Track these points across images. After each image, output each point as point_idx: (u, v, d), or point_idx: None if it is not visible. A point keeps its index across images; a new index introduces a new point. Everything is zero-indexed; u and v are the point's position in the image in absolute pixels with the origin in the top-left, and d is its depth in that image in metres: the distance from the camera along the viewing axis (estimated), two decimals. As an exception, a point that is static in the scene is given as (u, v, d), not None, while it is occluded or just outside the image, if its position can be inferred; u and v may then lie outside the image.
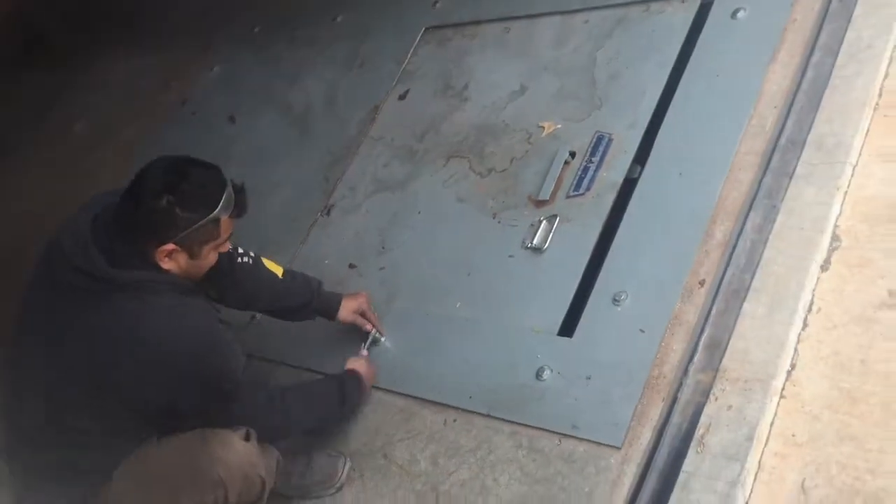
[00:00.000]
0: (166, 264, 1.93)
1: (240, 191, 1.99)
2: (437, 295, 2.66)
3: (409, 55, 3.42)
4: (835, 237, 2.06)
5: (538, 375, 2.27)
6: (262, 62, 4.00)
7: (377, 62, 3.51)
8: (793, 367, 1.95)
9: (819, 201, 2.11)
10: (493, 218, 2.72)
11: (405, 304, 2.71)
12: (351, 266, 2.90)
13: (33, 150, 4.51)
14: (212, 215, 1.92)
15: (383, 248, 2.91)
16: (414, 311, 2.67)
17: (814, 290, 2.02)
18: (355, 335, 2.58)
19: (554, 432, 2.18)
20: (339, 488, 2.36)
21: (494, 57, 3.14)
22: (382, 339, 2.58)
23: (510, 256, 2.59)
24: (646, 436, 2.04)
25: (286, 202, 3.32)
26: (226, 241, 2.04)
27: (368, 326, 2.54)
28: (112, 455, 2.01)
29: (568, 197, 2.60)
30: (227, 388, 2.03)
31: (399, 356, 2.59)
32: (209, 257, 2.02)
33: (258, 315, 2.81)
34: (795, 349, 1.96)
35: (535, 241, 2.53)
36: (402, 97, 3.33)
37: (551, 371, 2.26)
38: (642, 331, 2.19)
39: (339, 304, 2.49)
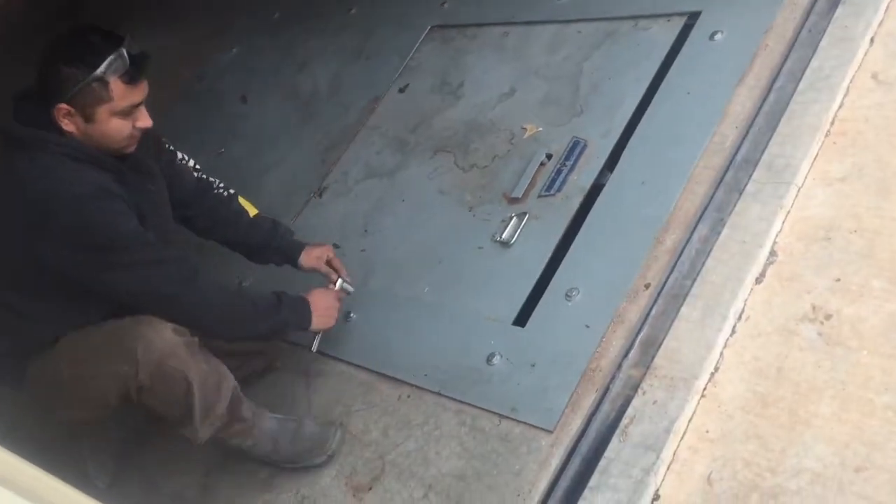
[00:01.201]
0: (66, 126, 1.99)
1: (138, 57, 1.98)
2: (408, 278, 2.81)
3: (413, 51, 3.57)
4: (772, 252, 2.19)
5: (488, 360, 2.41)
6: (277, 47, 4.17)
7: (383, 55, 3.66)
8: (716, 369, 2.07)
9: (762, 217, 2.24)
10: (469, 211, 2.86)
11: (379, 285, 2.86)
12: (335, 245, 3.04)
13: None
14: (95, 73, 1.94)
15: (366, 231, 3.06)
16: (386, 291, 2.83)
17: (746, 300, 2.14)
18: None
19: (495, 413, 2.32)
20: (331, 456, 2.40)
21: (491, 59, 3.28)
22: (351, 290, 2.61)
23: (479, 248, 2.73)
24: (576, 422, 2.17)
25: (284, 180, 3.49)
26: (130, 112, 2.02)
27: (333, 276, 2.58)
28: (38, 335, 2.17)
29: (539, 196, 2.73)
30: (108, 245, 2.03)
31: (367, 332, 2.74)
32: (110, 123, 2.01)
33: (245, 283, 2.99)
34: (721, 353, 2.09)
35: (503, 236, 2.67)
36: (401, 90, 3.48)
37: (501, 357, 2.41)
38: (587, 326, 2.32)
39: (301, 249, 2.57)
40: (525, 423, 2.25)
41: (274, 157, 3.61)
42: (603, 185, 2.65)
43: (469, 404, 2.38)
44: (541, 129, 2.92)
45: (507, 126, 3.03)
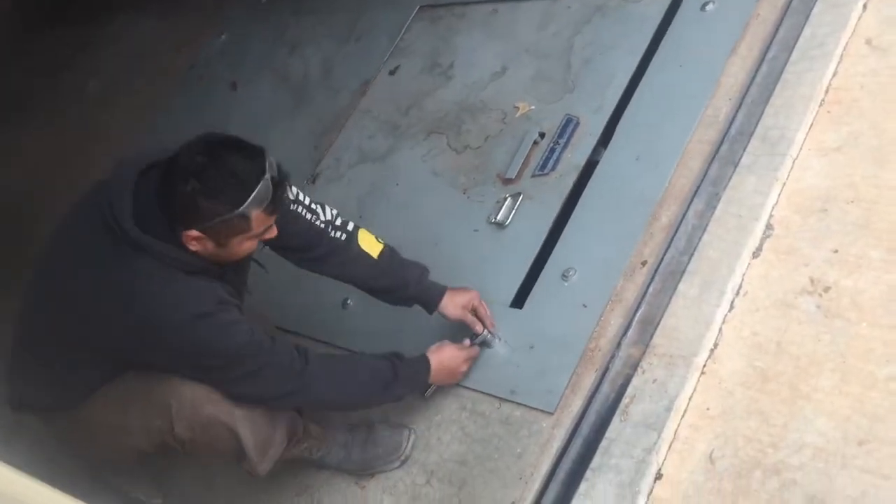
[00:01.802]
0: (193, 247, 1.82)
1: (279, 184, 1.81)
2: (405, 263, 2.78)
3: (402, 32, 3.53)
4: (768, 226, 2.16)
5: (487, 344, 2.39)
6: (267, 31, 4.13)
7: (372, 36, 3.62)
8: (716, 345, 2.06)
9: (758, 191, 2.21)
10: (464, 193, 2.84)
11: (375, 271, 2.83)
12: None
13: (47, 105, 4.67)
14: (239, 211, 1.75)
15: (360, 216, 3.03)
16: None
17: (743, 275, 2.12)
18: (465, 333, 2.34)
19: (495, 396, 2.31)
20: (405, 461, 2.29)
21: (480, 38, 3.25)
22: (496, 342, 2.32)
23: (475, 231, 2.71)
24: (577, 403, 2.16)
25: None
26: (263, 233, 1.88)
27: (478, 327, 2.28)
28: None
29: (533, 176, 2.71)
30: (223, 364, 1.92)
31: (364, 318, 2.73)
32: (242, 247, 1.88)
33: (350, 301, 2.77)
34: (720, 329, 2.07)
35: (498, 217, 2.65)
36: (392, 72, 3.45)
37: (500, 339, 2.39)
38: (585, 306, 2.31)
39: (440, 295, 2.29)
40: (525, 405, 2.24)
41: (265, 145, 3.50)
42: (597, 163, 2.63)
43: (468, 388, 2.37)
44: (533, 107, 2.89)
45: (499, 105, 2.99)
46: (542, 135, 2.77)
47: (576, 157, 2.66)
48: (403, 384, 2.14)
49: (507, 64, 3.09)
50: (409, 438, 2.35)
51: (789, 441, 1.84)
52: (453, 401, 2.37)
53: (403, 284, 2.29)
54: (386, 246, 2.35)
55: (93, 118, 4.53)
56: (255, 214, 1.79)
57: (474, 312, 2.33)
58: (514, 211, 2.64)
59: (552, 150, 2.71)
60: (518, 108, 2.92)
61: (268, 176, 1.77)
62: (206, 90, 4.14)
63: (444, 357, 2.21)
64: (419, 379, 2.19)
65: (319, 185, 3.27)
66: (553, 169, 2.67)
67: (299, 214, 2.22)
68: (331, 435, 2.33)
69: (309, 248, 2.26)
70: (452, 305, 2.29)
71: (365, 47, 3.63)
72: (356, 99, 3.45)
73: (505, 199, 2.68)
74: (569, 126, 2.73)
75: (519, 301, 2.46)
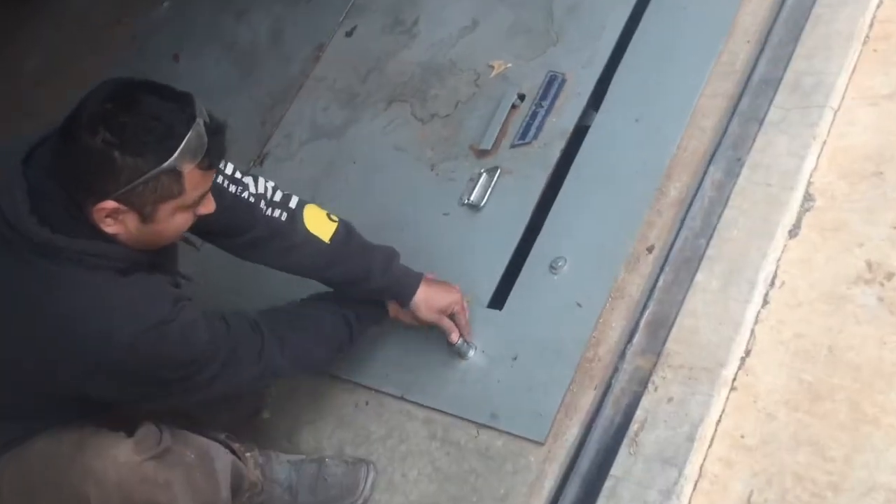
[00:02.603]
0: (109, 227, 1.42)
1: (216, 130, 1.45)
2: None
3: (359, -13, 3.06)
4: (807, 196, 1.72)
5: (461, 353, 1.94)
6: (211, -3, 3.65)
7: (324, -5, 3.15)
8: (748, 352, 1.61)
9: (791, 153, 1.77)
10: (431, 170, 2.38)
11: (331, 266, 2.38)
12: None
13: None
14: (167, 164, 1.37)
15: (314, 200, 2.57)
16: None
17: (778, 260, 1.68)
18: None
19: (472, 422, 1.87)
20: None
21: (447, -12, 2.77)
22: (470, 353, 1.92)
23: (445, 214, 2.26)
24: (573, 430, 1.72)
25: (222, 150, 2.99)
26: (198, 201, 1.49)
27: (454, 335, 1.89)
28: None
29: (512, 146, 2.25)
30: (180, 376, 1.55)
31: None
32: (173, 221, 1.47)
33: None
34: (752, 331, 1.63)
35: (472, 198, 2.20)
36: (349, 34, 2.98)
37: (475, 349, 1.94)
38: (579, 304, 1.86)
39: (415, 286, 1.86)
40: (509, 433, 1.80)
41: (208, 124, 3.10)
42: (588, 128, 2.16)
43: (439, 411, 1.92)
44: (510, 65, 2.43)
45: (470, 65, 2.54)
46: (521, 97, 2.31)
47: (562, 121, 2.20)
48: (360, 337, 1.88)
49: (478, 17, 2.62)
50: (367, 476, 1.91)
51: (855, 481, 1.40)
52: (421, 426, 1.93)
53: (365, 274, 1.83)
54: (341, 224, 1.86)
55: (28, 97, 4.10)
56: (189, 171, 1.40)
57: (452, 317, 1.90)
58: (490, 189, 2.19)
59: (534, 115, 2.25)
60: (493, 66, 2.47)
61: (200, 121, 1.40)
62: (147, 63, 3.67)
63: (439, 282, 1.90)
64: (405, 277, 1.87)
65: (268, 166, 2.81)
66: (535, 137, 2.22)
67: (221, 187, 1.74)
68: (270, 476, 1.87)
69: (239, 229, 1.78)
70: (427, 307, 1.86)
71: (318, 8, 3.16)
72: (309, 66, 2.99)
73: (479, 175, 2.22)
74: (553, 85, 2.27)
75: (498, 300, 2.01)
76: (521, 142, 2.24)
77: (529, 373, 1.84)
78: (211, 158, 1.44)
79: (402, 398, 1.99)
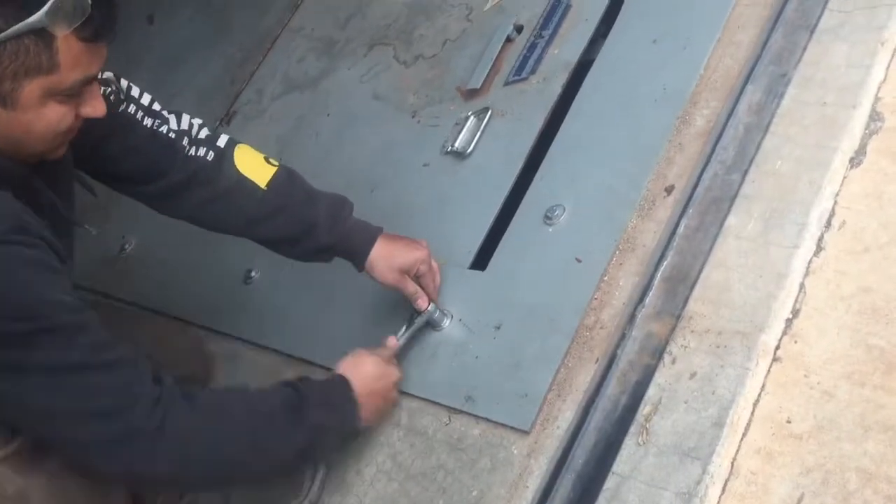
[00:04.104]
0: None
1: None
2: (331, 218, 1.96)
3: (344, -75, 2.70)
4: (874, 115, 1.32)
5: (434, 324, 1.56)
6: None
7: (308, -61, 2.80)
8: (795, 313, 1.21)
9: (852, 63, 1.37)
10: (413, 117, 2.02)
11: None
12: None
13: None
14: (32, 20, 1.07)
15: (280, 160, 2.21)
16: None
17: (836, 195, 1.28)
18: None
19: (443, 406, 1.49)
20: None
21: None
22: (445, 324, 1.56)
23: (425, 165, 1.89)
24: (566, 415, 1.33)
25: (185, 109, 2.61)
26: (83, 92, 1.17)
27: (422, 301, 1.53)
28: None
29: (506, 84, 1.88)
30: (15, 329, 1.09)
31: (273, 299, 1.92)
32: (44, 112, 1.14)
33: (255, 273, 1.96)
34: (801, 285, 1.23)
35: (457, 144, 1.83)
36: (331, -23, 2.62)
37: (451, 318, 1.55)
38: (578, 260, 1.48)
39: (370, 243, 1.52)
40: (487, 419, 1.42)
41: (178, 84, 2.79)
42: (596, 59, 1.78)
43: (405, 393, 1.54)
44: (507, -6, 2.05)
45: (462, 0, 2.16)
46: (518, 29, 1.95)
47: (565, 52, 1.83)
48: (317, 411, 1.32)
49: (473, -55, 2.24)
50: (314, 475, 1.53)
51: (948, 480, 0.98)
52: (382, 413, 1.54)
53: (309, 227, 1.49)
54: (282, 168, 1.52)
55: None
56: (65, 39, 1.09)
57: (418, 279, 1.53)
58: (479, 133, 1.82)
59: (532, 47, 1.88)
60: (487, -2, 2.09)
61: None
62: (122, 26, 3.34)
63: (355, 367, 1.42)
64: (340, 402, 1.38)
65: (235, 125, 2.47)
66: (533, 72, 1.84)
67: (133, 119, 1.40)
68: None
69: (155, 172, 1.43)
70: (386, 266, 1.51)
71: (299, -48, 2.80)
72: (285, 16, 2.65)
73: (467, 118, 1.86)
74: (556, 12, 1.90)
75: (482, 260, 1.62)
76: (516, 78, 1.87)
77: (515, 345, 1.46)
78: (95, 28, 1.12)
79: (362, 380, 1.60)
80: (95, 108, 1.19)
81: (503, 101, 1.86)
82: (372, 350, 1.47)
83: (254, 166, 1.49)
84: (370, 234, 1.52)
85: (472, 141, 1.83)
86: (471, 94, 1.93)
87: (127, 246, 2.34)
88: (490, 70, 1.92)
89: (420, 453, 1.46)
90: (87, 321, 1.14)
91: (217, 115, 2.54)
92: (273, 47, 2.61)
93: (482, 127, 1.83)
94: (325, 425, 1.33)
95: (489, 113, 1.85)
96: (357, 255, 1.52)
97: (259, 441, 1.27)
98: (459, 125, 1.87)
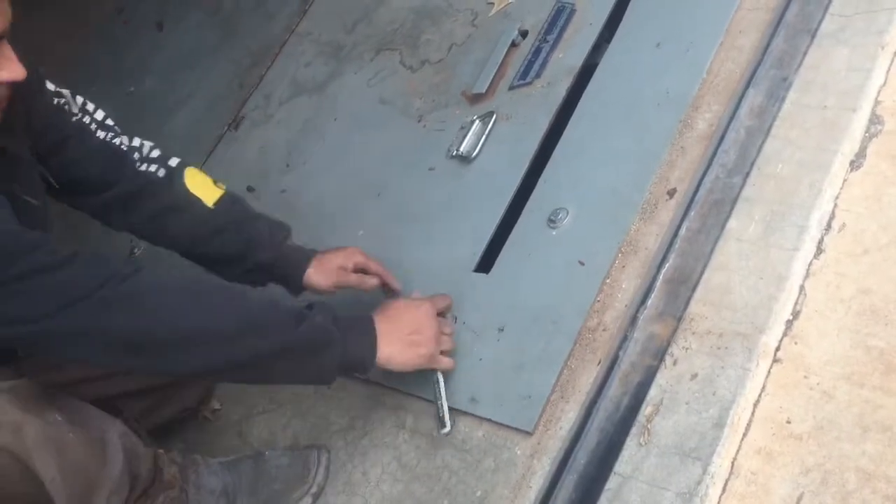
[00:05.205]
0: None
1: None
2: (338, 222, 2.01)
3: (353, -67, 2.72)
4: (874, 118, 1.33)
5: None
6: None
7: (316, -54, 2.82)
8: (796, 314, 1.22)
9: (853, 67, 1.38)
10: (419, 122, 2.03)
11: (300, 236, 2.01)
12: (249, 189, 2.25)
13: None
14: None
15: (288, 165, 2.25)
16: (309, 243, 1.99)
17: (836, 198, 1.29)
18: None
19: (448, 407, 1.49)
20: (317, 495, 1.53)
21: (447, -76, 2.42)
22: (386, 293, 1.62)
23: (430, 170, 1.90)
24: (569, 416, 1.34)
25: (195, 115, 2.71)
26: None
27: (372, 281, 1.58)
28: None
29: (511, 88, 1.89)
30: None
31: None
32: None
33: None
34: (802, 287, 1.24)
35: (462, 148, 1.84)
36: (339, -17, 2.65)
37: (455, 320, 1.57)
38: (581, 262, 1.49)
39: (306, 262, 1.56)
40: (490, 420, 1.44)
41: (186, 89, 2.82)
42: (599, 63, 1.79)
43: (410, 395, 1.56)
44: (512, 0, 2.06)
45: (467, 5, 2.20)
46: (523, 34, 1.96)
47: (570, 57, 1.84)
48: (323, 318, 1.27)
49: (479, -48, 2.26)
50: (318, 460, 1.56)
51: (946, 480, 0.99)
52: (387, 415, 1.57)
53: (250, 247, 1.53)
54: (228, 192, 1.57)
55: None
56: None
57: (361, 271, 1.59)
58: (484, 137, 1.83)
59: (537, 52, 1.89)
60: (493, 3, 2.11)
61: None
62: (131, 35, 3.40)
63: (393, 310, 1.38)
64: (351, 325, 1.31)
65: (243, 130, 2.49)
66: (538, 76, 1.85)
67: (87, 128, 1.45)
68: (198, 480, 1.51)
69: (105, 181, 1.47)
70: (323, 271, 1.55)
71: (309, -41, 2.82)
72: (294, 21, 2.67)
73: (472, 122, 1.87)
74: (561, 16, 1.91)
75: (486, 263, 1.64)
76: (520, 82, 1.89)
77: (518, 347, 1.47)
78: None
79: (368, 381, 1.63)
80: (11, 70, 1.15)
81: (508, 105, 1.87)
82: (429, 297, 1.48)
83: (202, 186, 1.54)
84: (305, 255, 1.57)
85: (477, 145, 1.84)
86: (476, 98, 1.95)
87: (136, 249, 2.36)
88: (495, 74, 1.94)
89: (425, 455, 1.47)
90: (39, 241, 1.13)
91: (225, 120, 2.57)
92: (281, 52, 2.63)
93: (487, 131, 1.85)
94: (331, 338, 1.26)
95: (494, 117, 1.86)
96: (294, 274, 1.56)
97: (249, 316, 1.21)
98: (465, 129, 1.89)
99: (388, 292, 1.61)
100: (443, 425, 1.44)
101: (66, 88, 1.44)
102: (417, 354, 1.38)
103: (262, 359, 1.21)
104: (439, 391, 1.45)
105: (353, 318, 1.32)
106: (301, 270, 1.54)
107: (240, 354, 1.19)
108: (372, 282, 1.57)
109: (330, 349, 1.26)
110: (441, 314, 1.48)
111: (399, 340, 1.34)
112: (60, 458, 1.25)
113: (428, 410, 1.53)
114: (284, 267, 1.55)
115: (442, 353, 1.43)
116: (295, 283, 1.55)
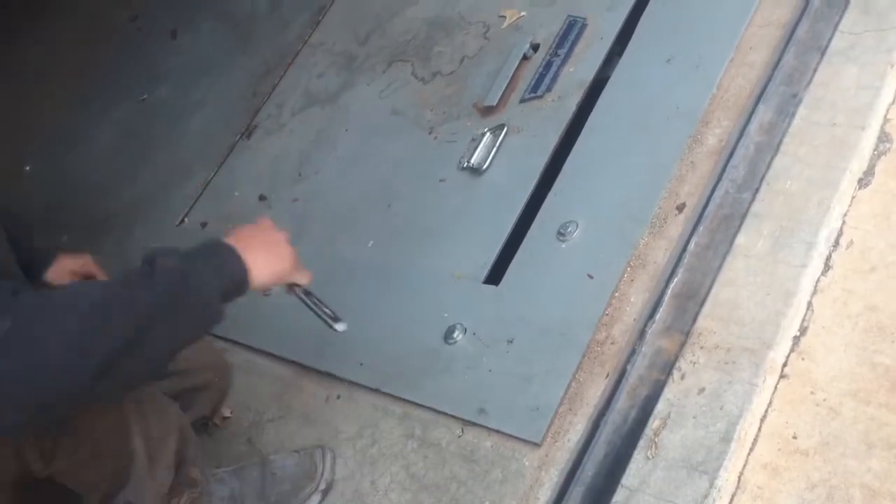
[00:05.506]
0: None
1: None
2: (349, 232, 2.02)
3: (366, -56, 2.75)
4: (882, 136, 1.34)
5: (447, 337, 1.60)
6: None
7: (330, -43, 2.85)
8: (803, 330, 1.23)
9: (862, 85, 1.39)
10: (430, 133, 2.05)
11: (311, 245, 2.06)
12: (261, 198, 2.28)
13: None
14: None
15: (300, 175, 2.27)
16: (319, 253, 2.03)
17: (844, 215, 1.30)
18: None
19: (456, 418, 1.52)
20: (327, 490, 1.56)
21: (460, -63, 2.44)
22: (339, 327, 1.52)
23: (441, 181, 1.92)
24: (577, 428, 1.35)
25: (208, 123, 2.72)
26: None
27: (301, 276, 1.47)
28: None
29: (522, 101, 1.91)
30: None
31: (288, 310, 1.92)
32: None
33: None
34: (809, 304, 1.25)
35: (473, 160, 1.86)
36: (352, -6, 2.67)
37: (464, 331, 1.59)
38: (590, 276, 1.50)
39: (53, 258, 1.59)
40: (499, 431, 1.45)
41: (199, 97, 2.84)
42: (610, 78, 1.81)
43: (419, 405, 1.57)
44: (523, 13, 2.10)
45: (480, 17, 2.21)
46: (535, 47, 1.98)
47: (580, 71, 1.85)
48: (171, 259, 1.15)
49: (492, -36, 2.28)
50: (323, 458, 1.58)
51: (951, 497, 0.99)
52: (396, 424, 1.58)
53: (15, 246, 1.42)
54: None
55: (34, 88, 3.89)
56: None
57: (90, 278, 1.62)
58: (494, 150, 1.85)
59: (548, 65, 1.91)
60: (505, 16, 2.12)
61: None
62: (146, 42, 3.43)
63: (243, 232, 1.27)
64: (208, 252, 1.21)
65: (256, 139, 2.51)
66: (549, 89, 1.87)
67: None
68: (208, 488, 1.52)
69: None
70: (59, 271, 1.58)
71: (323, -30, 2.85)
72: (307, 31, 2.69)
73: (483, 135, 1.89)
74: (572, 31, 1.93)
75: (495, 275, 1.65)
76: (531, 95, 1.90)
77: (527, 359, 1.48)
78: None
79: (377, 391, 1.64)
80: None
81: (519, 118, 1.89)
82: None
83: None
84: (53, 252, 1.61)
85: (487, 157, 1.86)
86: (487, 110, 1.96)
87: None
88: (506, 87, 1.95)
89: (433, 465, 1.48)
90: None
91: (238, 129, 2.58)
92: (294, 62, 2.64)
93: (498, 143, 1.86)
94: (193, 269, 1.16)
95: (505, 130, 1.88)
96: (41, 265, 1.58)
97: (111, 299, 1.10)
98: (476, 141, 1.90)
99: None
100: (336, 320, 1.42)
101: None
102: (282, 262, 1.31)
103: (140, 335, 1.09)
104: (312, 301, 1.43)
105: (205, 246, 1.22)
106: (46, 267, 1.57)
107: (113, 342, 1.07)
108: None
109: (199, 286, 1.16)
110: None
111: (262, 250, 1.26)
112: (145, 429, 1.32)
113: (435, 420, 1.54)
114: (33, 260, 1.56)
115: None
116: (37, 277, 1.56)
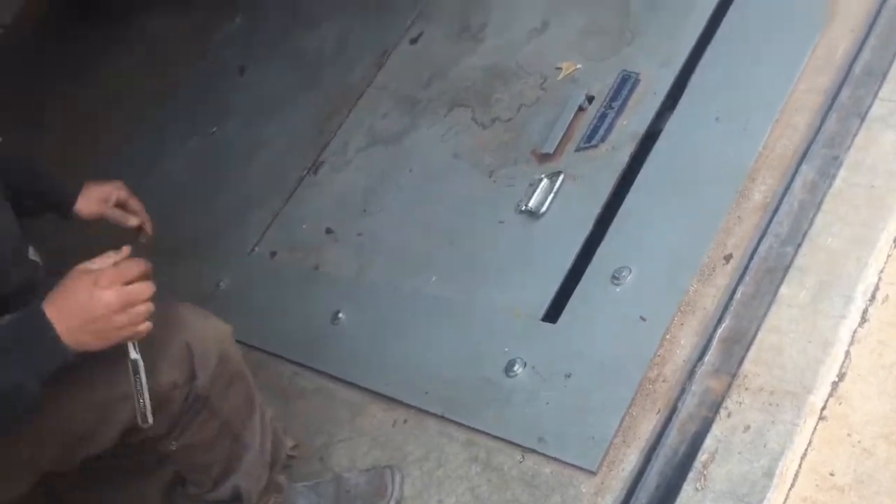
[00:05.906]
0: None
1: None
2: (412, 267, 2.16)
3: (427, -6, 2.92)
4: (917, 199, 1.45)
5: (508, 370, 1.74)
6: (282, 9, 3.57)
7: (393, 3, 3.02)
8: (841, 377, 1.36)
9: (899, 150, 1.51)
10: (489, 177, 2.19)
11: (375, 278, 2.21)
12: (328, 231, 2.44)
13: (64, 104, 4.25)
14: None
15: (365, 210, 2.42)
16: (383, 286, 2.18)
17: (881, 272, 1.42)
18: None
19: (517, 445, 1.65)
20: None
21: (518, -10, 2.61)
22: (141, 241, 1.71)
23: (500, 222, 2.06)
24: (630, 459, 1.48)
25: (276, 158, 2.89)
26: None
27: (132, 220, 1.72)
28: None
29: (577, 150, 2.05)
30: None
31: (358, 337, 2.10)
32: None
33: (342, 315, 2.13)
34: (847, 352, 1.37)
35: (531, 204, 2.00)
36: (413, 41, 2.84)
37: (524, 365, 1.73)
38: (643, 318, 1.63)
39: (77, 192, 1.68)
40: (557, 459, 1.58)
41: (267, 132, 3.00)
42: (661, 131, 1.94)
43: (482, 432, 1.71)
44: (579, 66, 2.24)
45: (537, 69, 2.36)
46: (590, 99, 2.11)
47: (633, 123, 1.99)
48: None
49: (548, 18, 2.45)
50: (394, 478, 1.73)
51: (974, 533, 1.11)
52: (461, 449, 1.72)
53: (35, 176, 1.63)
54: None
55: (103, 117, 4.09)
56: None
57: (123, 206, 1.73)
58: (551, 195, 1.99)
59: (603, 117, 2.04)
60: (561, 68, 2.27)
61: None
62: (214, 78, 3.61)
63: (64, 293, 1.23)
64: (30, 337, 1.21)
65: (322, 174, 2.67)
66: (603, 140, 2.01)
67: None
68: (291, 494, 1.68)
69: None
70: (86, 200, 1.68)
71: (384, 16, 3.04)
72: (371, 74, 2.85)
73: (540, 180, 2.03)
74: (626, 85, 2.06)
75: (553, 314, 1.79)
76: (587, 145, 2.04)
77: (583, 393, 1.62)
78: None
79: (442, 417, 1.79)
80: None
81: (574, 166, 2.03)
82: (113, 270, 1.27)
83: None
84: (77, 185, 1.70)
85: (544, 202, 1.99)
86: (544, 157, 2.10)
87: (221, 284, 2.54)
88: (563, 136, 2.09)
89: (496, 488, 1.62)
90: None
91: (305, 164, 2.74)
92: (358, 103, 2.80)
93: (555, 189, 2.00)
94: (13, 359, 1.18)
95: (561, 177, 2.01)
96: (67, 201, 1.68)
97: None
98: (533, 186, 2.04)
99: (141, 237, 1.74)
100: (144, 420, 1.33)
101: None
102: (108, 340, 1.25)
103: None
104: (137, 381, 1.31)
105: (17, 333, 1.21)
106: (73, 198, 1.67)
107: None
108: (132, 221, 1.71)
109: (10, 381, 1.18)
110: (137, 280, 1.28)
111: (84, 332, 1.22)
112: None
113: (497, 447, 1.67)
114: (60, 195, 1.67)
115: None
116: (66, 210, 1.68)
